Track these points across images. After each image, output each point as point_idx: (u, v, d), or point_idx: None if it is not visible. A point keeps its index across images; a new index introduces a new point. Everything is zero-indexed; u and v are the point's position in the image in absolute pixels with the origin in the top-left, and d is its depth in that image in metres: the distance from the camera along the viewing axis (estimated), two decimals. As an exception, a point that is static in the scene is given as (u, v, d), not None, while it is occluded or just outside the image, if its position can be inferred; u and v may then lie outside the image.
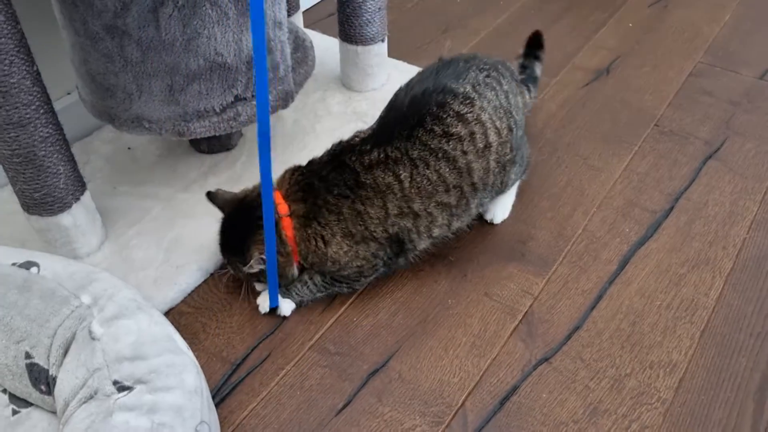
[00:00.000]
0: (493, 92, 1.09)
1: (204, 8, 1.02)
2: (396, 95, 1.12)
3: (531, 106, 1.31)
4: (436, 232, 1.10)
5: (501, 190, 1.16)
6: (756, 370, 1.01)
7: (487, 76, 1.10)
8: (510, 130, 1.10)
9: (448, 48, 1.68)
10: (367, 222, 1.05)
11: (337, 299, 1.13)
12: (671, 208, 1.26)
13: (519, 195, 1.26)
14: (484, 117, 1.06)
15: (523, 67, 1.36)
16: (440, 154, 1.04)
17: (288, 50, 1.19)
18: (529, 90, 1.29)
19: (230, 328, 1.09)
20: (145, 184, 1.30)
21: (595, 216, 1.25)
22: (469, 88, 1.07)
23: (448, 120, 1.04)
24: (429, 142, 1.04)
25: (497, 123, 1.08)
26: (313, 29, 1.71)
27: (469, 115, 1.05)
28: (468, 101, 1.06)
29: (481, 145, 1.06)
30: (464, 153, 1.05)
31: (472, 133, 1.05)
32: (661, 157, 1.37)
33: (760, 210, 1.26)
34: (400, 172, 1.04)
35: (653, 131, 1.44)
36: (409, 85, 1.11)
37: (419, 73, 1.14)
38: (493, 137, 1.07)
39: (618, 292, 1.12)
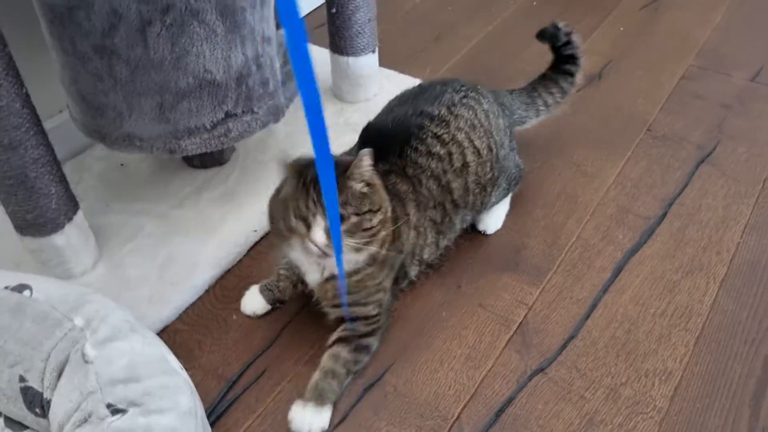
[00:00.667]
0: (470, 112, 1.11)
1: (192, 26, 1.02)
2: (377, 118, 1.14)
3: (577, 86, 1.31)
4: (426, 253, 1.11)
5: (481, 209, 1.18)
6: (751, 376, 1.01)
7: (464, 96, 1.12)
8: (490, 150, 1.12)
9: (428, 72, 1.68)
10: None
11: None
12: (664, 214, 1.26)
13: (512, 204, 1.26)
14: (460, 137, 1.09)
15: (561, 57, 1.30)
16: (429, 172, 1.07)
17: (277, 65, 1.19)
18: (571, 75, 1.29)
19: (226, 345, 1.09)
20: (139, 201, 1.30)
21: (589, 223, 1.25)
22: (444, 110, 1.10)
23: (428, 140, 1.07)
24: (418, 160, 1.07)
25: (476, 142, 1.10)
26: (304, 40, 1.71)
27: (445, 135, 1.08)
28: (443, 123, 1.09)
29: (458, 165, 1.09)
30: (444, 172, 1.08)
31: (449, 153, 1.08)
32: (654, 162, 1.37)
33: (753, 214, 1.26)
34: (404, 185, 1.06)
35: (646, 136, 1.44)
36: (390, 107, 1.15)
37: (397, 98, 1.16)
38: (470, 157, 1.10)
39: (612, 300, 1.12)
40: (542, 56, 1.42)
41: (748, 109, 1.49)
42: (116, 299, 1.11)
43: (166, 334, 1.11)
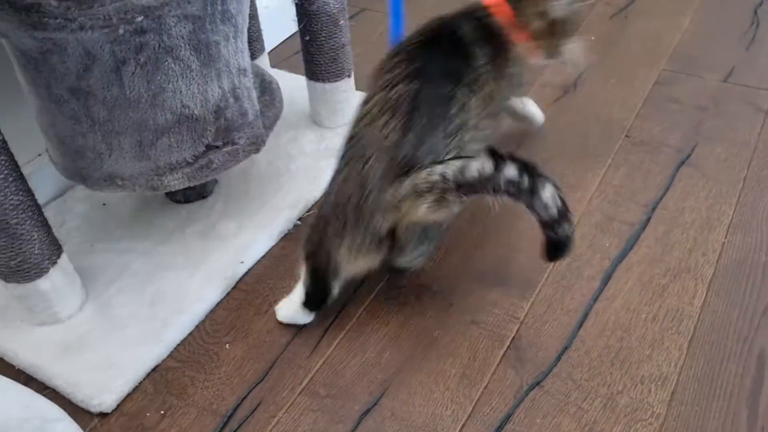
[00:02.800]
0: None
1: (166, 63, 1.03)
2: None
3: None
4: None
5: None
6: (746, 375, 1.02)
7: None
8: None
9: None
10: None
11: (324, 339, 1.12)
12: (648, 219, 1.27)
13: (495, 217, 1.26)
14: None
15: None
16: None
17: (254, 95, 1.19)
18: None
19: (219, 379, 1.08)
20: (123, 240, 1.29)
21: (575, 233, 1.25)
22: None
23: None
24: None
25: None
26: (280, 68, 1.72)
27: None
28: None
29: None
30: None
31: None
32: (635, 168, 1.38)
33: (736, 213, 1.27)
34: None
35: (624, 143, 1.45)
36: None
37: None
38: None
39: (603, 309, 1.13)
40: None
41: (723, 110, 1.51)
42: (105, 340, 1.12)
43: (158, 372, 1.09)
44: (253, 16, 1.51)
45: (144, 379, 1.08)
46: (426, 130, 0.99)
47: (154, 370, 1.10)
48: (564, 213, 0.99)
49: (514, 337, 1.10)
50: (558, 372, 1.04)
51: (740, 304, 1.12)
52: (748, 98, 1.54)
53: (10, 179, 0.99)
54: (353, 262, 1.05)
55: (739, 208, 1.28)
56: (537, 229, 1.26)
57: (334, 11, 1.35)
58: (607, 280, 1.17)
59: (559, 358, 1.06)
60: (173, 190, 1.17)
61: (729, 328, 1.08)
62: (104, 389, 1.05)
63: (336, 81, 1.44)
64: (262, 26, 1.58)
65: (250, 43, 1.25)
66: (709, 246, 1.21)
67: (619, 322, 1.10)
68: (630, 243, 1.23)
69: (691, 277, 1.16)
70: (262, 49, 1.59)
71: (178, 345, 1.13)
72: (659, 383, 1.02)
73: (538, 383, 1.03)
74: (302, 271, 1.10)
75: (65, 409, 0.88)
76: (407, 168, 0.98)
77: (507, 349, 1.08)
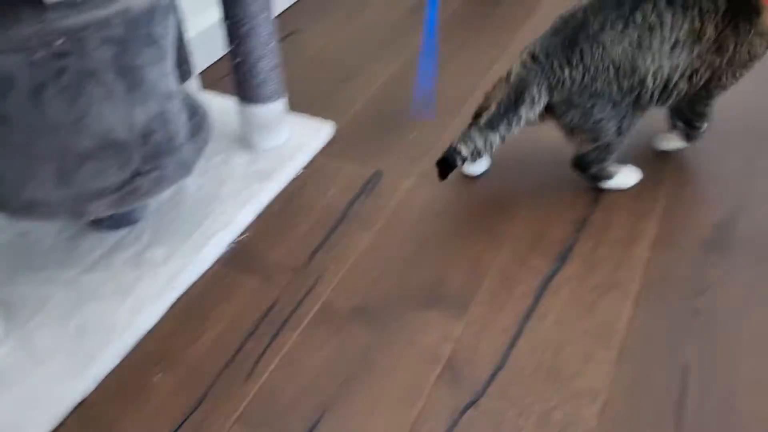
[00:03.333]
0: None
1: (89, 87, 1.00)
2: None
3: None
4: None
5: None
6: (672, 386, 1.05)
7: None
8: None
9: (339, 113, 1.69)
10: None
11: (259, 366, 1.10)
12: (577, 236, 1.30)
13: (429, 238, 1.27)
14: None
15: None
16: None
17: (183, 119, 1.17)
18: None
19: (149, 413, 1.05)
20: (46, 269, 1.24)
21: (506, 252, 1.28)
22: None
23: None
24: None
25: None
26: (211, 90, 1.70)
27: None
28: None
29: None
30: None
31: None
32: (562, 187, 1.42)
33: (660, 229, 1.31)
34: None
35: (552, 164, 1.48)
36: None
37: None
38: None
39: (536, 326, 1.14)
40: (449, 90, 1.46)
41: (644, 129, 1.56)
42: (27, 376, 1.07)
43: (83, 408, 1.05)
44: (181, 39, 1.49)
45: (68, 417, 1.04)
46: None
47: (79, 405, 1.06)
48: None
49: (449, 357, 1.10)
50: (492, 391, 1.05)
51: (665, 317, 1.15)
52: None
53: None
54: None
55: (662, 223, 1.32)
56: (469, 248, 1.29)
57: (263, 33, 1.35)
58: (539, 297, 1.19)
59: (493, 377, 1.07)
60: (99, 217, 1.13)
61: (655, 340, 1.11)
62: (25, 427, 1.00)
63: (267, 103, 1.43)
64: (191, 49, 1.56)
65: (177, 66, 1.22)
66: (634, 261, 1.25)
67: (551, 338, 1.12)
68: (559, 260, 1.26)
69: (618, 292, 1.19)
70: (190, 73, 1.57)
71: (105, 378, 1.09)
72: (591, 397, 1.04)
73: (473, 402, 1.04)
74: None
75: (-18, 451, 0.84)
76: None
77: (443, 369, 1.09)
